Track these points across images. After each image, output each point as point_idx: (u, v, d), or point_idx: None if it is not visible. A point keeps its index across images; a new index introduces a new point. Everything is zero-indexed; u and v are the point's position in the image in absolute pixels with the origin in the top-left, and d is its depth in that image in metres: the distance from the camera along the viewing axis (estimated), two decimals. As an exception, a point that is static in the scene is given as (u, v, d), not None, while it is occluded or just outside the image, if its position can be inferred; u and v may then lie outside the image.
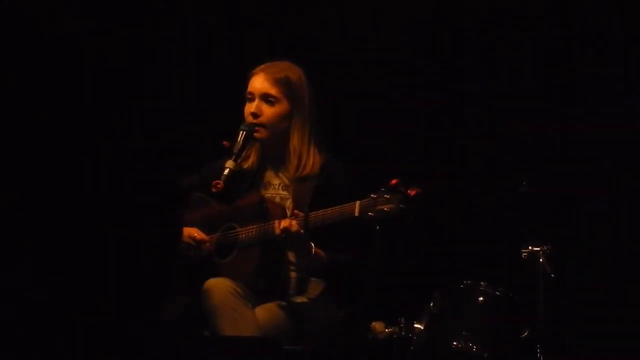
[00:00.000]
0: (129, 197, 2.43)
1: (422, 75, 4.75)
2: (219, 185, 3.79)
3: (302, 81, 3.98)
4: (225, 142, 3.92)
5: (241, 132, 3.89)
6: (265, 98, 3.92)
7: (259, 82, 3.94)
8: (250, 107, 3.93)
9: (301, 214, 3.64)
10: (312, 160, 3.92)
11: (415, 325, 3.72)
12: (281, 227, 3.63)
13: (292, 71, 3.97)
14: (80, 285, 2.36)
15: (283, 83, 3.93)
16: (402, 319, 3.71)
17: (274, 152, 3.99)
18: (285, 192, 3.95)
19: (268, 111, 3.92)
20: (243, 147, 3.89)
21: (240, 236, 3.82)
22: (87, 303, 2.37)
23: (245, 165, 3.99)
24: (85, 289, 2.36)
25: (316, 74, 4.05)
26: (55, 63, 2.42)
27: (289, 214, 3.76)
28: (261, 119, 3.91)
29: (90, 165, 2.39)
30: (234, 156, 3.85)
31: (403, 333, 3.69)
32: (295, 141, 3.93)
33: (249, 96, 3.95)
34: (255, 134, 3.91)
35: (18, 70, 2.37)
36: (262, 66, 3.98)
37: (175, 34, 4.66)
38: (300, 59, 4.04)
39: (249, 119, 3.92)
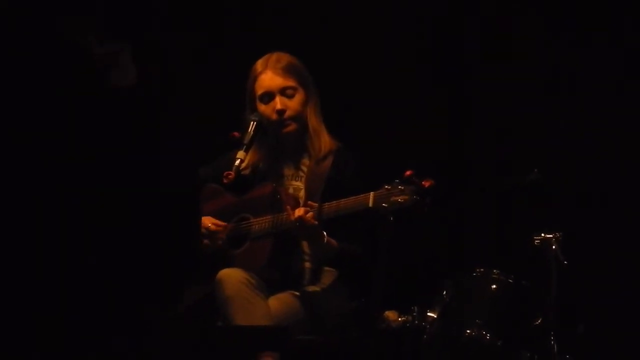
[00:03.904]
0: (148, 189, 2.44)
1: (431, 63, 4.74)
2: (230, 176, 3.79)
3: (303, 66, 4.00)
4: (235, 133, 3.92)
5: (252, 122, 3.90)
6: (284, 92, 3.93)
7: (271, 80, 3.94)
8: (273, 106, 3.92)
9: (315, 204, 3.64)
10: (327, 138, 3.96)
11: (429, 314, 3.73)
12: (296, 215, 3.63)
13: (292, 58, 4.00)
14: (99, 276, 2.36)
15: (291, 70, 3.95)
16: (415, 307, 3.72)
17: (295, 141, 3.99)
18: (298, 183, 3.96)
19: (292, 103, 3.93)
20: (254, 138, 3.89)
21: (254, 227, 3.83)
22: (104, 294, 2.37)
23: (258, 160, 4.00)
24: (103, 280, 2.37)
25: (326, 64, 4.05)
26: (70, 61, 2.42)
27: (301, 204, 3.77)
28: (289, 113, 3.92)
29: (107, 160, 2.39)
30: (244, 147, 3.86)
31: (416, 322, 3.70)
32: (313, 122, 3.96)
33: (266, 98, 3.95)
34: (287, 129, 3.93)
35: (35, 69, 2.37)
36: (261, 63, 3.98)
37: (185, 27, 4.65)
38: (310, 52, 4.04)
39: (274, 116, 3.92)
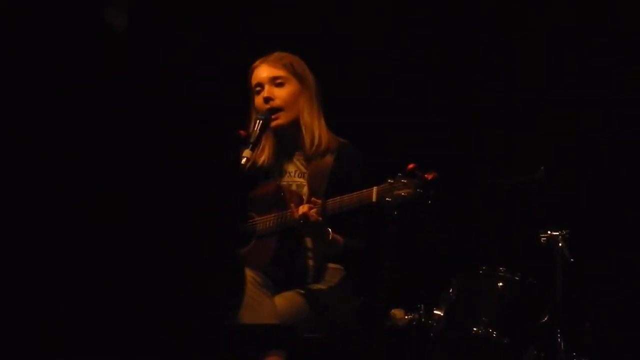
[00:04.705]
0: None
1: (437, 59, 4.75)
2: (236, 175, 3.80)
3: (303, 63, 4.03)
4: (241, 132, 3.93)
5: (257, 121, 3.91)
6: (274, 81, 3.96)
7: (264, 71, 3.98)
8: (262, 94, 3.95)
9: (319, 201, 3.65)
10: (325, 136, 3.96)
11: (435, 312, 3.72)
12: (299, 213, 3.64)
13: (291, 56, 4.03)
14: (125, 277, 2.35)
15: (285, 63, 3.98)
16: (422, 305, 3.72)
17: (289, 136, 4.00)
18: (301, 179, 3.96)
19: (280, 93, 3.95)
20: (260, 136, 3.90)
21: (258, 225, 3.83)
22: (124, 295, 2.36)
23: (261, 158, 4.00)
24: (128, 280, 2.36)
25: (329, 58, 4.06)
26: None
27: (305, 201, 3.77)
28: (276, 102, 3.94)
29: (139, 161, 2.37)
30: (250, 145, 3.86)
31: (422, 320, 3.69)
32: (306, 117, 3.97)
33: (258, 88, 3.99)
34: (275, 122, 3.93)
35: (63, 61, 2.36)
36: (261, 59, 4.03)
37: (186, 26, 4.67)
38: (313, 49, 4.06)
39: (264, 107, 3.94)
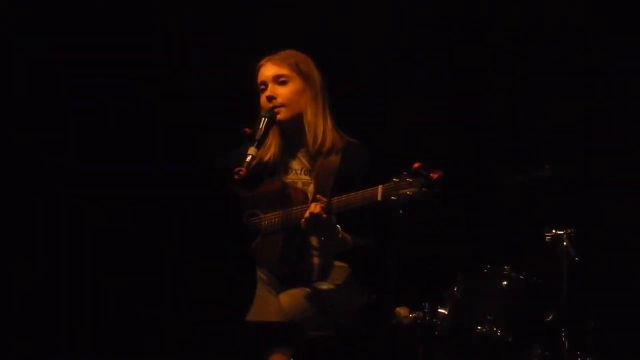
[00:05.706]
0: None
1: (444, 58, 4.75)
2: (241, 172, 3.78)
3: (309, 61, 4.05)
4: (246, 129, 3.93)
5: (262, 118, 3.91)
6: (278, 80, 3.98)
7: (268, 69, 4.00)
8: (266, 93, 3.97)
9: (324, 199, 3.64)
10: (330, 135, 3.97)
11: (439, 310, 3.73)
12: (307, 215, 3.63)
13: (297, 55, 4.05)
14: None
15: (289, 61, 4.00)
16: (426, 304, 3.72)
17: (293, 134, 4.01)
18: (307, 177, 3.97)
19: (283, 91, 3.97)
20: (265, 134, 3.90)
21: (264, 223, 3.83)
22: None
23: (267, 155, 4.00)
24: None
25: (336, 57, 4.07)
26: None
27: (310, 198, 3.78)
28: (279, 100, 3.96)
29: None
30: (255, 143, 3.85)
31: (427, 318, 3.70)
32: (309, 115, 3.98)
33: (262, 86, 4.01)
34: (277, 117, 3.93)
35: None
36: (267, 57, 4.04)
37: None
38: (322, 48, 4.07)
39: (267, 105, 3.95)
